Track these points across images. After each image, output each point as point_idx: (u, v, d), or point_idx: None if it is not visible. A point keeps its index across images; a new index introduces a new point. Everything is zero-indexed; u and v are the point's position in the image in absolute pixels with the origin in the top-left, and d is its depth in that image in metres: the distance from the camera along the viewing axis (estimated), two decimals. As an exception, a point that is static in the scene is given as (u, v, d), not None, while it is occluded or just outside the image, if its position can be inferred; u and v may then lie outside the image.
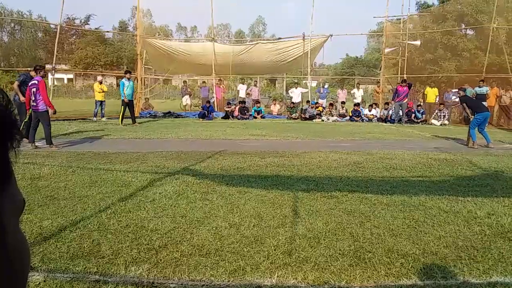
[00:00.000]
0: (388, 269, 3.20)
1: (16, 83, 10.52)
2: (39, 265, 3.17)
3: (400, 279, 3.05)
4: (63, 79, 49.69)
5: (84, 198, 4.99)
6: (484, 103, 16.83)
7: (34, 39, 51.70)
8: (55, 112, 9.61)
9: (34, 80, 9.28)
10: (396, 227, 4.13)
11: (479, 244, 3.70)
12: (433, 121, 18.55)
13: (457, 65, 24.06)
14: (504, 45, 20.04)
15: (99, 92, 17.50)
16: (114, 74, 33.12)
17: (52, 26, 39.95)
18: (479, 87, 17.20)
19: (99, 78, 18.63)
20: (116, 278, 3.01)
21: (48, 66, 16.58)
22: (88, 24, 53.93)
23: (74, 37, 53.40)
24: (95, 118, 17.16)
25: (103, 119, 17.24)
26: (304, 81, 24.65)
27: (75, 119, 16.78)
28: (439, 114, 18.54)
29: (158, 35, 30.29)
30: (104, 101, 17.70)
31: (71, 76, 50.47)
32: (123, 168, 6.92)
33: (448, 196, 5.29)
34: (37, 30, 52.47)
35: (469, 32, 26.59)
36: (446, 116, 18.59)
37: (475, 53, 23.04)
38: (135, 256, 3.37)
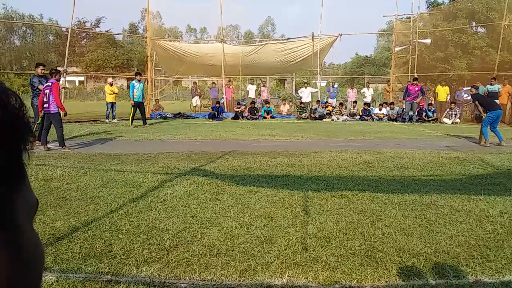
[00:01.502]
0: (399, 269, 3.18)
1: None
2: (52, 265, 3.21)
3: (411, 279, 3.03)
4: (74, 81, 50.12)
5: (96, 199, 5.04)
6: (496, 101, 16.67)
7: (45, 43, 52.27)
8: (65, 115, 9.70)
9: (49, 82, 9.42)
10: (408, 226, 4.10)
11: (492, 243, 3.66)
12: (445, 119, 18.39)
13: (468, 63, 23.84)
14: (516, 42, 19.82)
15: (110, 94, 17.63)
16: (125, 76, 33.34)
17: (63, 29, 40.32)
18: (491, 85, 17.00)
19: (110, 80, 18.77)
20: (127, 278, 3.04)
21: (59, 69, 16.75)
22: (98, 27, 54.46)
23: (85, 40, 53.91)
24: (107, 120, 17.30)
25: (114, 120, 17.37)
26: (313, 81, 24.57)
27: (86, 121, 16.92)
28: (450, 112, 18.38)
29: (168, 36, 30.50)
30: (115, 102, 17.84)
31: (82, 78, 50.88)
32: (134, 169, 6.97)
33: (460, 195, 5.24)
34: (48, 34, 53.04)
35: (480, 29, 26.35)
36: (458, 115, 18.42)
37: (487, 51, 22.81)
38: (146, 256, 3.40)
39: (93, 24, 54.06)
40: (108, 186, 5.70)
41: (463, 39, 24.10)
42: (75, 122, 16.30)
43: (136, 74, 16.30)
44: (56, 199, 5.05)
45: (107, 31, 49.26)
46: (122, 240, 3.73)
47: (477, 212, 4.54)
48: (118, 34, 65.70)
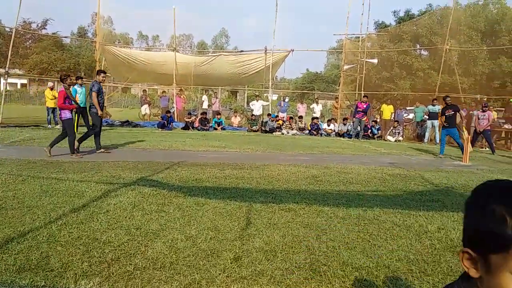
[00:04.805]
0: (342, 282, 3.23)
1: (94, 94, 10.22)
2: (-18, 279, 3.00)
3: (353, 292, 3.10)
4: (16, 84, 47.83)
5: (33, 208, 4.78)
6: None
7: (-14, 42, 49.60)
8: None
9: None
10: (351, 240, 4.19)
11: (430, 258, 3.81)
12: (388, 137, 19.15)
13: (412, 83, 25.06)
14: (455, 66, 21.08)
15: (51, 99, 16.91)
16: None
17: (7, 29, 38.46)
18: (433, 105, 17.91)
19: (50, 84, 18.05)
20: (65, 293, 2.89)
21: (0, 70, 16.01)
22: (45, 28, 52.29)
23: (30, 41, 51.61)
24: (49, 126, 16.59)
25: (57, 126, 16.66)
26: (265, 94, 24.88)
27: (27, 126, 16.14)
28: (394, 130, 19.16)
29: (118, 42, 29.86)
30: (56, 107, 17.12)
31: (25, 81, 48.62)
32: (77, 177, 6.70)
33: (401, 210, 5.44)
34: (-10, 33, 50.39)
35: (424, 52, 27.84)
36: (400, 133, 19.23)
37: (429, 73, 24.10)
38: (85, 269, 3.25)
39: (40, 25, 51.91)
40: (48, 195, 5.43)
41: (407, 61, 25.34)
42: (15, 126, 15.51)
43: (77, 78, 15.76)
44: (-11, 207, 4.75)
45: (54, 33, 47.50)
46: (60, 252, 3.55)
47: (416, 227, 4.73)
48: (65, 37, 63.24)
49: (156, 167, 8.12)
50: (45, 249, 3.61)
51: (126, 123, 19.76)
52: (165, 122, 18.84)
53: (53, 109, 16.89)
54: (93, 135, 10.24)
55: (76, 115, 14.71)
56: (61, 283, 3.01)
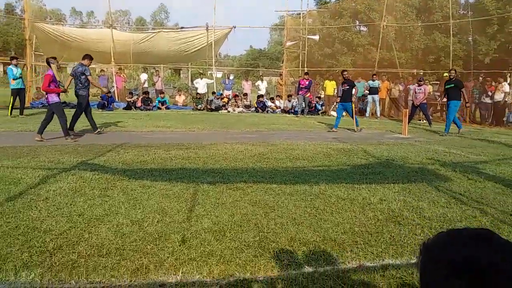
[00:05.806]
0: (291, 258, 3.29)
1: (91, 77, 10.36)
2: None
3: (302, 267, 3.15)
4: None
5: (-37, 199, 4.47)
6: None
7: None
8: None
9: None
10: (299, 216, 4.26)
11: (373, 229, 3.96)
12: (332, 112, 19.57)
13: (353, 59, 25.65)
14: (393, 41, 21.75)
15: None
16: (0, 60, 30.07)
17: None
18: (372, 80, 18.48)
19: None
20: (4, 285, 2.74)
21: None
22: (-32, 4, 48.35)
23: (-49, 18, 47.59)
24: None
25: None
26: (209, 72, 24.55)
27: (-47, 110, 15.00)
28: (337, 106, 19.60)
29: (50, 19, 28.19)
30: None
31: None
32: (12, 164, 6.32)
33: (345, 184, 5.59)
34: None
35: (363, 28, 28.50)
36: (343, 108, 19.70)
37: (368, 49, 24.75)
38: (26, 260, 3.09)
39: (-39, 1, 47.88)
40: (-20, 184, 5.09)
41: (348, 37, 25.86)
42: None
43: (12, 58, 14.84)
44: None
45: (-22, 9, 44.01)
46: (-4, 245, 3.35)
47: (360, 200, 4.89)
48: (-9, 13, 58.84)
49: (97, 150, 7.83)
50: (-20, 242, 3.39)
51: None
52: (106, 102, 18.15)
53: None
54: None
55: (12, 97, 13.90)
56: (0, 276, 2.85)
